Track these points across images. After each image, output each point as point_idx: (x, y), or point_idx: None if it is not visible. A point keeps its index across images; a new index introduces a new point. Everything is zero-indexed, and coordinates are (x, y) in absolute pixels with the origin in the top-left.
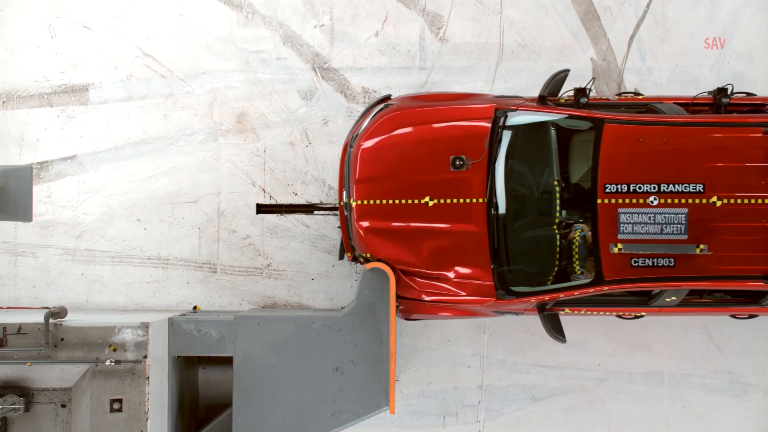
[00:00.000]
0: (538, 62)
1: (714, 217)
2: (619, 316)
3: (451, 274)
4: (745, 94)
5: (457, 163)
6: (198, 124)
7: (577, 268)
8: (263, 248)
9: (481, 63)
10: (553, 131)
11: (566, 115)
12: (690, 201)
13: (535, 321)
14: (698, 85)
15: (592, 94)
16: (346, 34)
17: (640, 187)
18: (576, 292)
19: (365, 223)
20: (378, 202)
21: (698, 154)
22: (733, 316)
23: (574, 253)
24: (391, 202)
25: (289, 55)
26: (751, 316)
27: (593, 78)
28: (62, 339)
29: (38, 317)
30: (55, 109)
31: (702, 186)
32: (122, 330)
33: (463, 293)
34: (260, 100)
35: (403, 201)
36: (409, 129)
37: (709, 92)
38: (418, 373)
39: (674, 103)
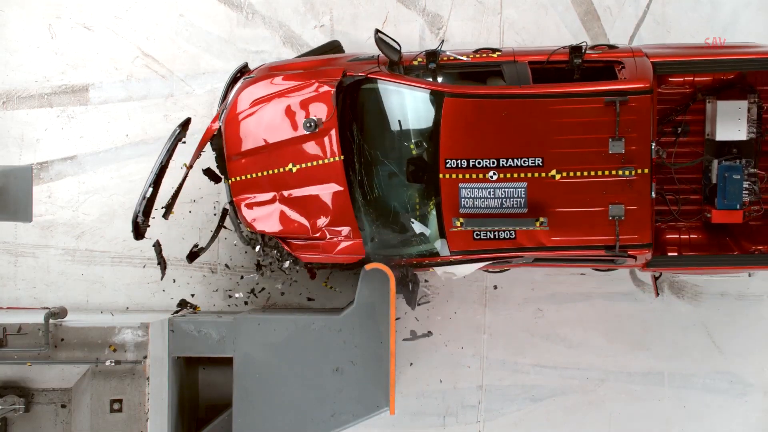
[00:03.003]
0: None
1: (554, 191)
2: (486, 270)
3: (324, 234)
4: (607, 47)
5: (308, 125)
6: (198, 125)
7: (428, 237)
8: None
9: None
10: (408, 99)
11: (410, 86)
12: (529, 175)
13: (535, 321)
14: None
15: (448, 53)
16: (346, 34)
17: (479, 163)
18: (426, 260)
19: (243, 200)
20: (250, 176)
21: (537, 127)
22: (596, 269)
23: (427, 222)
24: (260, 174)
25: (290, 56)
26: (609, 270)
27: (442, 40)
28: (62, 339)
29: (38, 317)
30: (55, 109)
31: (541, 160)
32: (122, 330)
33: (336, 251)
34: None
35: (271, 171)
36: (264, 100)
37: (565, 47)
38: (418, 373)
39: (529, 61)
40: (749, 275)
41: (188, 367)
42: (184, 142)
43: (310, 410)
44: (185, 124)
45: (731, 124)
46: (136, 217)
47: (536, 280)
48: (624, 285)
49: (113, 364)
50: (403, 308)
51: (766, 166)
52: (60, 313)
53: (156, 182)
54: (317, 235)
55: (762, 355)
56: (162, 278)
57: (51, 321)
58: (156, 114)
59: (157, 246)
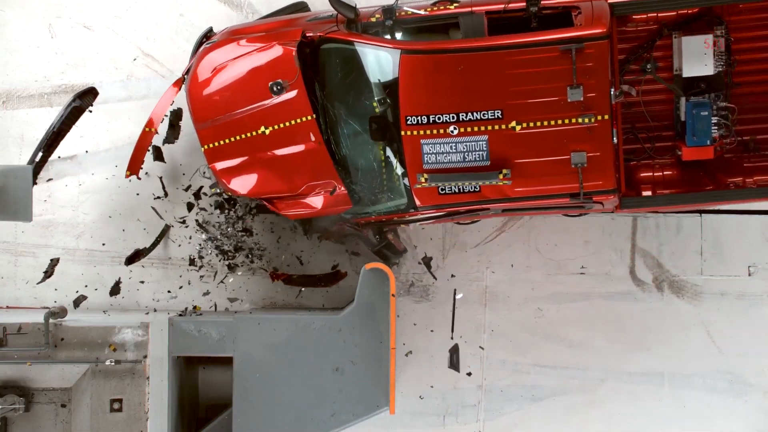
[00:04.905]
0: None
1: (515, 142)
2: (457, 222)
3: (309, 190)
4: None
5: (275, 88)
6: None
7: (395, 194)
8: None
9: None
10: (365, 58)
11: (365, 44)
12: (489, 128)
13: (535, 321)
14: None
15: (405, 8)
16: None
17: (439, 118)
18: (395, 217)
19: (219, 166)
20: (222, 142)
21: (495, 79)
22: (566, 215)
23: (393, 179)
24: (233, 139)
25: None
26: (581, 215)
27: None
28: (62, 339)
29: (38, 317)
30: (55, 109)
31: (500, 112)
32: (122, 330)
33: (323, 204)
34: None
35: (244, 135)
36: (226, 66)
37: None
38: (418, 373)
39: (486, 11)
40: (749, 274)
41: (188, 367)
42: (91, 111)
43: (310, 410)
44: (86, 93)
45: (697, 59)
46: None
47: (536, 280)
48: (624, 285)
49: (113, 363)
50: (419, 318)
51: (737, 99)
52: (60, 312)
53: (48, 147)
54: (301, 190)
55: (762, 355)
56: (37, 284)
57: (51, 321)
58: None
59: (55, 261)
